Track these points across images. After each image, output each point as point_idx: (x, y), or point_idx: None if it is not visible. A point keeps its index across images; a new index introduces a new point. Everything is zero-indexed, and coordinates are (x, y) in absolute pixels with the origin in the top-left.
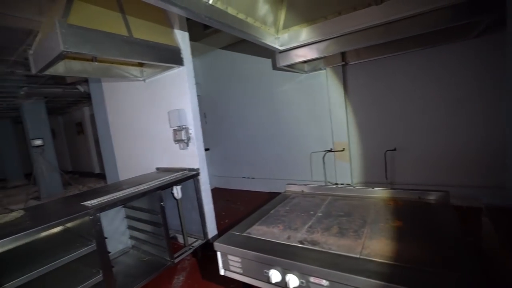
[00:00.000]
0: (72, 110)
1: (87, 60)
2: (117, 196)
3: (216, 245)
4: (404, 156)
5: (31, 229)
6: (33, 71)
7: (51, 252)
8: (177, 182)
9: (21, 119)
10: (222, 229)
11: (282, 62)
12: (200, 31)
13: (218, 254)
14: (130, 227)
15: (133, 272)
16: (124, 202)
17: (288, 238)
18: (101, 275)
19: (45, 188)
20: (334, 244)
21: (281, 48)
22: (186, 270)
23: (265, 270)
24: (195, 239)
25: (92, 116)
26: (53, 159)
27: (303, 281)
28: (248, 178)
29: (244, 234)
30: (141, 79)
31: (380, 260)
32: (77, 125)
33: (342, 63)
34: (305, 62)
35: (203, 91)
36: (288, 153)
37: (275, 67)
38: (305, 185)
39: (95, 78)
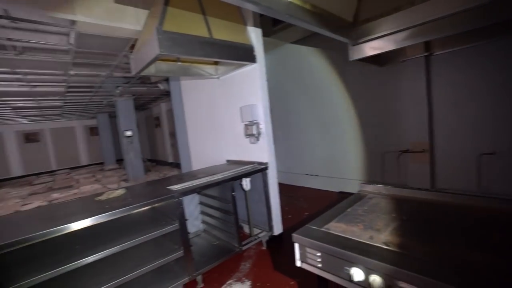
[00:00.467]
0: (152, 106)
1: (172, 61)
2: (197, 183)
3: (295, 236)
4: (507, 162)
5: (134, 204)
6: (133, 72)
7: (142, 226)
8: (247, 175)
9: (115, 114)
10: (288, 224)
11: (355, 55)
12: (269, 27)
13: (296, 245)
14: (202, 213)
15: (206, 253)
16: (202, 189)
17: (371, 238)
18: (182, 251)
19: (132, 172)
20: (423, 250)
21: (356, 41)
22: (252, 258)
23: (346, 267)
24: (260, 230)
25: (168, 112)
26: (137, 148)
27: (390, 284)
28: (312, 175)
29: (323, 229)
30: (215, 76)
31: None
32: (155, 119)
33: (425, 54)
34: (380, 55)
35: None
36: (355, 152)
37: (346, 61)
38: (384, 185)
39: (175, 77)
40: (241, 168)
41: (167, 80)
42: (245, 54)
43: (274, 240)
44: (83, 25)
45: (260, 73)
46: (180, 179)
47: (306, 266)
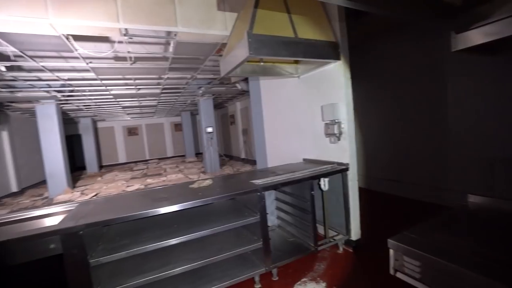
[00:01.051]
0: (228, 105)
1: (256, 62)
2: (278, 179)
3: (392, 243)
4: None
5: (224, 194)
6: (222, 74)
7: (224, 215)
8: (326, 175)
9: (196, 112)
10: (367, 229)
11: (461, 44)
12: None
13: (391, 252)
14: (278, 208)
15: (280, 248)
16: (283, 185)
17: (484, 256)
18: (261, 243)
19: (209, 165)
20: None
21: (465, 27)
22: (326, 260)
23: (452, 283)
24: (335, 233)
25: (242, 110)
26: (215, 144)
27: None
28: (395, 180)
29: (424, 239)
30: (296, 75)
31: None
32: (230, 117)
33: None
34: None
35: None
36: (454, 157)
37: (446, 52)
38: (498, 199)
39: (255, 77)
40: (319, 167)
41: (245, 80)
42: (329, 52)
43: (350, 245)
44: (182, 35)
45: (344, 71)
46: (260, 174)
47: (401, 276)
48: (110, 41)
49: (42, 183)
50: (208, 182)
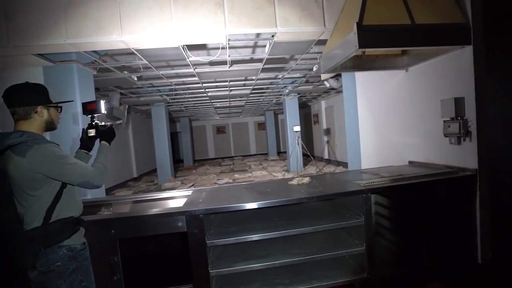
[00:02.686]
0: (312, 104)
1: (358, 56)
2: (387, 182)
3: None
4: None
5: (328, 192)
6: (322, 71)
7: (321, 215)
8: (443, 181)
9: (279, 111)
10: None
11: None
12: None
13: None
14: (377, 214)
15: (381, 257)
16: (393, 189)
17: None
18: (364, 247)
19: (293, 164)
20: None
21: None
22: (441, 281)
23: None
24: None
25: (327, 109)
26: (301, 143)
27: None
28: None
29: None
30: (402, 68)
31: None
32: (314, 116)
33: None
34: None
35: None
36: None
37: None
38: None
39: (350, 72)
40: (432, 172)
41: (334, 77)
42: (456, 36)
43: (474, 268)
44: (280, 35)
45: (476, 57)
46: (361, 175)
47: None
48: (208, 48)
49: (153, 171)
50: (308, 179)
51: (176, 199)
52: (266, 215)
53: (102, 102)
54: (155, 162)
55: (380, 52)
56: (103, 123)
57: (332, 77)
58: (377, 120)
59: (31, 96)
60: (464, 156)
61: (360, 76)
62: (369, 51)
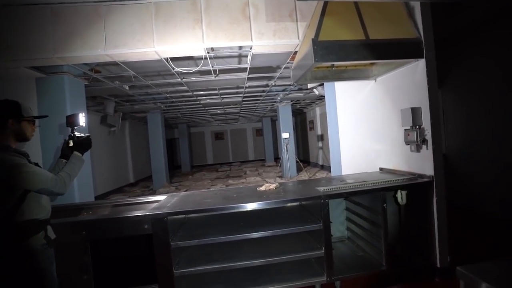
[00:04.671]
0: (307, 111)
1: (327, 67)
2: (344, 188)
3: (461, 272)
4: None
5: (285, 198)
6: (292, 81)
7: (290, 219)
8: (403, 187)
9: (276, 118)
10: (458, 256)
11: None
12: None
13: (461, 284)
14: (348, 219)
15: (347, 261)
16: (349, 194)
17: None
18: (323, 251)
19: (286, 170)
20: None
21: None
22: (401, 284)
23: None
24: (415, 255)
25: (322, 115)
26: (292, 149)
27: None
28: (505, 200)
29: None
30: (371, 78)
31: None
32: (310, 122)
33: None
34: None
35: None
36: None
37: None
38: None
39: (330, 82)
40: (395, 178)
41: (322, 85)
42: (409, 50)
43: (433, 271)
44: (256, 47)
45: (429, 70)
46: (329, 182)
47: None
48: (195, 58)
49: (150, 177)
50: (276, 186)
51: (153, 203)
52: (232, 219)
53: (81, 115)
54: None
55: (349, 64)
56: (81, 135)
57: (320, 85)
58: (352, 127)
59: (2, 110)
60: (423, 163)
61: (338, 85)
62: (337, 63)
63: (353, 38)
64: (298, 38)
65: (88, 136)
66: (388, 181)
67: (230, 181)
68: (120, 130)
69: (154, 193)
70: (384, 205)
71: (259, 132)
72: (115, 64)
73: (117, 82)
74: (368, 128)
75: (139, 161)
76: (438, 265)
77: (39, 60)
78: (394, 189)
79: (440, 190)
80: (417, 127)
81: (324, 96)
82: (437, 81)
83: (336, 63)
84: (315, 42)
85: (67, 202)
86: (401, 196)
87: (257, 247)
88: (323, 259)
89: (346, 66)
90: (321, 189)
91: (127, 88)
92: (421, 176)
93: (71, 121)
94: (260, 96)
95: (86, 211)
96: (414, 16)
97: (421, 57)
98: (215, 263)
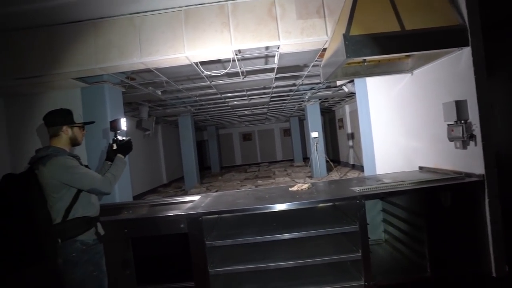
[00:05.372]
0: (336, 109)
1: (358, 63)
2: (381, 188)
3: None
4: None
5: (319, 199)
6: (322, 79)
7: (323, 220)
8: (448, 187)
9: (304, 117)
10: None
11: None
12: None
13: None
14: (385, 221)
15: (386, 265)
16: (387, 195)
17: None
18: (360, 254)
19: (316, 170)
20: None
21: None
22: None
23: None
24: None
25: (352, 113)
26: (322, 149)
27: None
28: None
29: None
30: (407, 72)
31: None
32: (339, 121)
33: None
34: None
35: None
36: None
37: None
38: None
39: (361, 78)
40: (438, 177)
41: (352, 81)
42: (452, 38)
43: (488, 281)
44: (284, 46)
45: (476, 58)
46: (363, 181)
47: None
48: (222, 61)
49: (181, 178)
50: (308, 185)
51: (188, 203)
52: (265, 220)
53: (122, 120)
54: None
55: (382, 57)
56: (123, 138)
57: (349, 82)
58: (386, 125)
59: (57, 118)
60: (471, 161)
61: (370, 81)
62: (369, 58)
63: (387, 30)
64: (327, 35)
65: (129, 139)
66: (430, 180)
67: (259, 182)
68: (154, 133)
69: (186, 193)
70: (427, 206)
71: (286, 132)
72: (148, 71)
73: (150, 88)
74: (404, 124)
75: (171, 163)
76: (494, 274)
77: (84, 71)
78: (437, 189)
79: (493, 190)
80: (462, 121)
81: (354, 93)
82: (485, 71)
83: (368, 58)
84: (347, 37)
85: (109, 202)
86: (446, 196)
87: (290, 248)
88: (360, 263)
89: (379, 60)
90: (357, 189)
91: (159, 93)
92: (468, 175)
93: (114, 126)
94: (288, 95)
95: (126, 210)
96: (456, 1)
97: (466, 45)
98: (249, 263)
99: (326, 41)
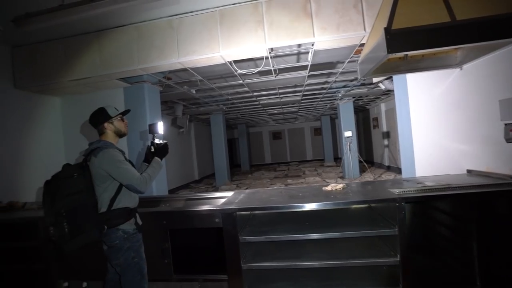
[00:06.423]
0: (370, 107)
1: (399, 58)
2: (424, 191)
3: None
4: None
5: (355, 199)
6: (359, 76)
7: (358, 222)
8: (505, 193)
9: (335, 116)
10: None
11: None
12: None
13: None
14: (425, 226)
15: (425, 273)
16: (431, 199)
17: None
18: (398, 259)
19: (348, 171)
20: None
21: None
22: None
23: None
24: None
25: (387, 112)
26: (355, 149)
27: None
28: None
29: None
30: (455, 66)
31: None
32: (373, 120)
33: None
34: None
35: None
36: None
37: None
38: None
39: (401, 74)
40: (492, 182)
41: (389, 78)
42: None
43: None
44: (319, 43)
45: None
46: (402, 183)
47: None
48: (255, 59)
49: (212, 175)
50: (343, 186)
51: (222, 199)
52: (298, 219)
53: (160, 124)
54: (214, 166)
55: (426, 52)
56: (160, 141)
57: (387, 79)
58: (430, 124)
59: (97, 118)
60: None
61: (411, 77)
62: (411, 53)
63: (435, 21)
64: (365, 30)
65: (166, 143)
66: (485, 185)
67: (289, 181)
68: (187, 131)
69: (216, 190)
70: (479, 213)
71: (317, 131)
72: (184, 70)
73: (185, 86)
74: (450, 124)
75: (203, 160)
76: None
77: (127, 72)
78: (492, 194)
79: None
80: None
81: (391, 91)
82: None
83: (410, 53)
84: (388, 31)
85: (147, 195)
86: (502, 203)
87: (322, 248)
88: (398, 268)
89: (423, 55)
90: (396, 191)
91: (194, 92)
92: None
93: (152, 129)
94: (320, 94)
95: (163, 203)
96: None
97: None
98: (281, 260)
99: (364, 36)
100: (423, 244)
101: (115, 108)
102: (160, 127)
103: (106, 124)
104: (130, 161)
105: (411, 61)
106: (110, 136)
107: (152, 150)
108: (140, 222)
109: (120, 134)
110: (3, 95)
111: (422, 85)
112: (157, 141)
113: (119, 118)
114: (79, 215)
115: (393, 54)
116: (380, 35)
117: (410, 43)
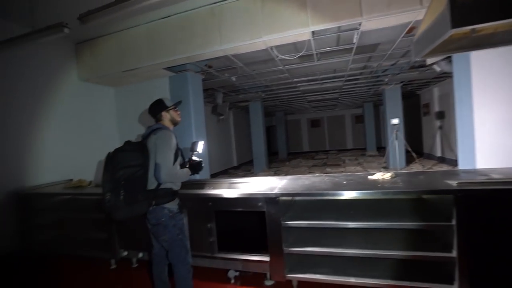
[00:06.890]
0: (421, 93)
1: (464, 33)
2: (489, 184)
3: None
4: None
5: (404, 189)
6: (413, 57)
7: (407, 213)
8: None
9: (379, 103)
10: None
11: None
12: None
13: None
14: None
15: (487, 271)
16: (498, 193)
17: None
18: (454, 254)
19: (393, 161)
20: None
21: None
22: None
23: None
24: None
25: (441, 97)
26: (401, 137)
27: None
28: None
29: None
30: None
31: None
32: (424, 106)
33: None
34: None
35: None
36: None
37: None
38: None
39: (460, 54)
40: None
41: (446, 58)
42: None
43: None
44: (366, 23)
45: None
46: (460, 175)
47: None
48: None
49: (250, 162)
50: (391, 175)
51: (264, 184)
52: (341, 207)
53: (200, 143)
54: (252, 153)
55: (500, 25)
56: (195, 159)
57: (443, 59)
58: (498, 110)
59: (156, 107)
60: None
61: (476, 56)
62: (479, 27)
63: None
64: (421, 4)
65: (200, 161)
66: None
67: (328, 169)
68: (226, 118)
69: (255, 176)
70: None
71: (358, 118)
72: (225, 57)
73: (226, 74)
74: None
75: (241, 147)
76: None
77: (172, 61)
78: None
79: None
80: None
81: (447, 73)
82: None
83: (478, 28)
84: (454, 1)
85: (191, 179)
86: None
87: (367, 239)
88: (453, 264)
89: (496, 28)
90: (455, 182)
91: (234, 79)
92: None
93: (193, 147)
94: (365, 78)
95: (208, 186)
96: None
97: None
98: (323, 246)
99: (419, 12)
100: (484, 242)
101: (169, 100)
102: (200, 147)
103: (164, 113)
104: (180, 149)
105: (479, 37)
106: (167, 123)
107: (187, 166)
108: (181, 204)
109: (174, 122)
110: (70, 86)
111: (490, 64)
112: (194, 158)
113: (174, 108)
114: (135, 186)
115: (459, 28)
116: (443, 6)
117: (481, 14)
